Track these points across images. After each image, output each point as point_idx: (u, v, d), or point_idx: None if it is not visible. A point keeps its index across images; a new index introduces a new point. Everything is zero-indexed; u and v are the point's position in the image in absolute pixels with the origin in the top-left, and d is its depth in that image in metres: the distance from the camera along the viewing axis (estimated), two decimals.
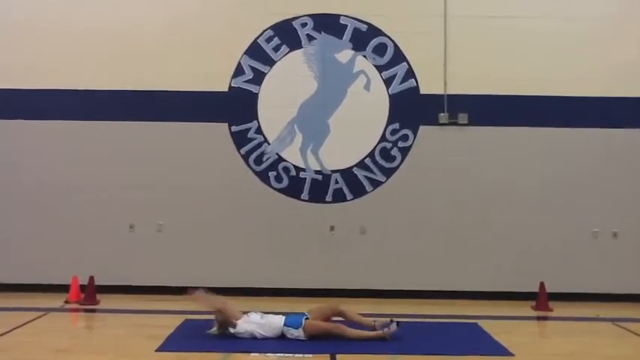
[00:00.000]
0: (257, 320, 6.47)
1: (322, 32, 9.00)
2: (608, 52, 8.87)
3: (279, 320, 6.47)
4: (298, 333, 6.39)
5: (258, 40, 8.98)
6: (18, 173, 8.84)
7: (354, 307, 7.12)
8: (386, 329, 6.43)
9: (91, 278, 8.22)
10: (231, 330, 6.44)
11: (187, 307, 7.86)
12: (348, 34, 8.99)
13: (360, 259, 8.83)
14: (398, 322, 6.47)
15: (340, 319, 6.65)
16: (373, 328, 6.50)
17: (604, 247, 8.82)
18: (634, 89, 8.85)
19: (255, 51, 8.96)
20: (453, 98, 8.90)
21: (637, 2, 8.99)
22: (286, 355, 5.90)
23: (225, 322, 6.46)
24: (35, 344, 6.20)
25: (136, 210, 8.85)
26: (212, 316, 6.61)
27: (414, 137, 8.95)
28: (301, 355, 5.89)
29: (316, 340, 6.35)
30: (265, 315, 6.56)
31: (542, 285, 8.35)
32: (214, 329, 6.53)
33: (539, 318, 8.06)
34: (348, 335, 6.41)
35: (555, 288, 8.47)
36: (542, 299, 8.29)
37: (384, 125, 8.96)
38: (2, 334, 6.49)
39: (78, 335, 6.95)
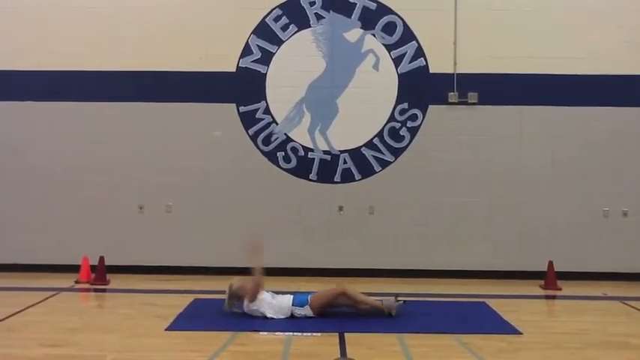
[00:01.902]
0: (269, 300, 6.49)
1: (331, 11, 8.92)
2: (619, 30, 8.74)
3: (288, 300, 6.50)
4: (305, 311, 6.43)
5: (266, 20, 8.92)
6: (28, 155, 8.89)
7: (363, 287, 7.14)
8: (384, 300, 6.53)
9: (101, 258, 8.29)
10: (246, 305, 6.43)
11: (196, 286, 7.95)
12: (357, 13, 8.91)
13: (369, 239, 8.84)
14: (404, 300, 6.50)
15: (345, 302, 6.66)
16: (381, 309, 6.52)
17: (614, 226, 8.77)
18: None
19: (263, 30, 8.90)
20: (462, 77, 8.82)
21: None
22: (295, 333, 5.93)
23: (247, 293, 6.40)
24: (46, 323, 6.28)
25: (146, 191, 8.89)
26: (221, 295, 6.66)
27: (423, 117, 8.90)
28: (310, 334, 5.93)
29: (326, 316, 6.41)
30: (276, 295, 6.58)
31: (550, 264, 8.34)
32: (226, 304, 6.55)
33: (547, 297, 8.05)
34: (349, 294, 6.47)
35: (564, 267, 8.46)
36: (550, 278, 8.28)
37: (392, 105, 8.91)
38: (15, 314, 6.57)
39: (88, 315, 7.00)
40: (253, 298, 6.42)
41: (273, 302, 6.48)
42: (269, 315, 6.41)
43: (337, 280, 7.90)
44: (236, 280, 6.59)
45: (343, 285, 6.59)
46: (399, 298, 6.57)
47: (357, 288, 6.86)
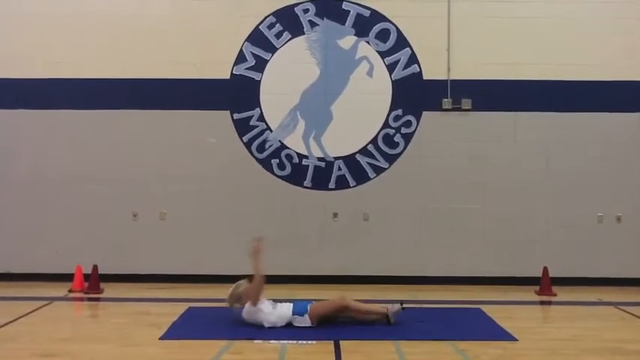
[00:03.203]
0: (269, 310, 6.43)
1: (324, 18, 8.94)
2: (610, 36, 8.79)
3: (288, 309, 6.45)
4: (304, 321, 6.38)
5: (260, 27, 8.92)
6: (21, 163, 8.84)
7: (358, 294, 7.12)
8: (390, 306, 6.48)
9: (95, 267, 8.24)
10: (246, 311, 6.38)
11: (191, 295, 7.92)
12: (350, 20, 8.93)
13: (363, 245, 8.82)
14: (402, 303, 6.52)
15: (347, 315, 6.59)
16: (386, 315, 6.47)
17: (608, 231, 8.79)
18: (636, 73, 8.78)
19: (256, 38, 8.91)
20: (456, 84, 8.84)
21: None
22: (290, 342, 5.91)
23: (248, 297, 6.38)
24: (39, 333, 6.23)
25: (140, 198, 8.85)
26: (216, 304, 6.62)
27: (417, 123, 8.91)
28: (305, 342, 5.91)
29: (322, 324, 6.37)
30: (276, 304, 6.51)
31: (545, 270, 8.35)
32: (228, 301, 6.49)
33: (542, 303, 8.05)
34: (351, 308, 6.44)
35: (559, 273, 8.47)
36: (545, 284, 8.29)
37: (386, 111, 8.91)
38: (7, 323, 6.52)
39: (82, 324, 6.96)
40: (255, 302, 6.37)
41: (274, 312, 6.42)
42: (267, 324, 6.37)
43: (331, 286, 7.93)
44: (244, 282, 6.55)
45: (344, 297, 6.55)
46: (404, 306, 6.55)
47: (352, 295, 6.84)
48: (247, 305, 6.43)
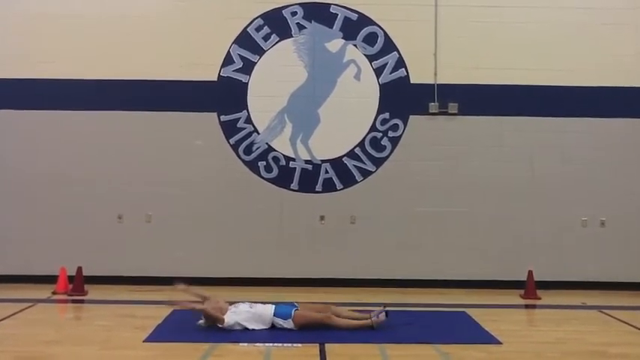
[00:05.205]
0: (246, 309, 6.43)
1: (312, 21, 8.95)
2: (597, 42, 8.88)
3: (269, 311, 6.43)
4: (288, 324, 6.37)
5: (248, 29, 8.92)
6: (4, 164, 8.76)
7: (344, 297, 7.15)
8: (374, 318, 6.45)
9: (79, 269, 8.17)
10: (219, 325, 6.39)
11: (176, 297, 7.85)
12: (338, 23, 8.94)
13: (350, 248, 8.82)
14: (387, 312, 6.49)
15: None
16: (371, 327, 6.42)
17: (592, 235, 8.86)
18: (622, 79, 8.87)
19: (244, 40, 8.90)
20: (443, 88, 8.88)
21: None
22: (275, 345, 5.90)
23: (212, 318, 6.39)
24: (23, 335, 6.18)
25: (125, 200, 8.79)
26: (202, 306, 6.59)
27: (404, 127, 8.94)
28: (290, 345, 5.90)
29: (305, 330, 6.34)
30: (254, 305, 6.51)
31: (530, 273, 8.39)
32: (202, 321, 6.47)
33: (527, 306, 8.10)
34: (336, 324, 6.42)
35: (543, 276, 8.52)
36: (530, 287, 8.33)
37: (374, 115, 8.94)
38: None
39: (65, 326, 6.90)
40: (220, 322, 6.35)
41: (252, 311, 6.41)
42: (250, 327, 6.35)
43: (317, 289, 7.93)
44: (206, 304, 6.46)
45: (329, 316, 6.47)
46: (386, 308, 6.52)
47: (339, 298, 6.84)
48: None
